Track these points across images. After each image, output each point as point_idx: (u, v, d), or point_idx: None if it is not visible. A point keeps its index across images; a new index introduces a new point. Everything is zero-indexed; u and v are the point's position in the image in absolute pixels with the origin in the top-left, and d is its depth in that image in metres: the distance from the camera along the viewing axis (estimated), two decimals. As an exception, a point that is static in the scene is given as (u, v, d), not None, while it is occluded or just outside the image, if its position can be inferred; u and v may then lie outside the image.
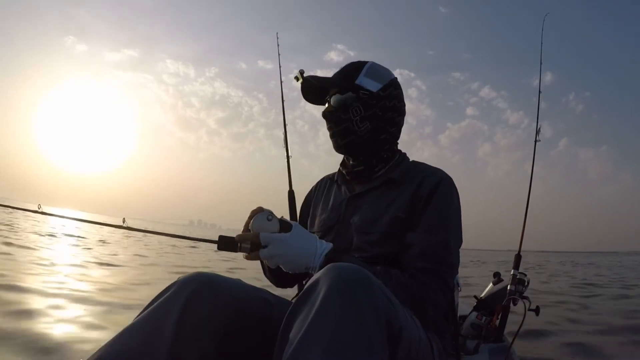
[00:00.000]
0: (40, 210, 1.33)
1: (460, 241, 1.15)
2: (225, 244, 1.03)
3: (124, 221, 1.20)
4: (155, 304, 0.94)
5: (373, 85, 1.19)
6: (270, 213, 1.02)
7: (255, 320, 1.03)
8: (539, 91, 2.32)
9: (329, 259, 1.00)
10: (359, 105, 1.19)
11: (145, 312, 0.93)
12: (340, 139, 1.21)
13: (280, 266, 1.01)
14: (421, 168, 1.24)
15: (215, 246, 1.06)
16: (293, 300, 0.82)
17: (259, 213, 1.02)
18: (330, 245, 1.04)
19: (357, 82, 1.19)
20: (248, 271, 6.50)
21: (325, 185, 1.39)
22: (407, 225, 1.12)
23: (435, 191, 1.14)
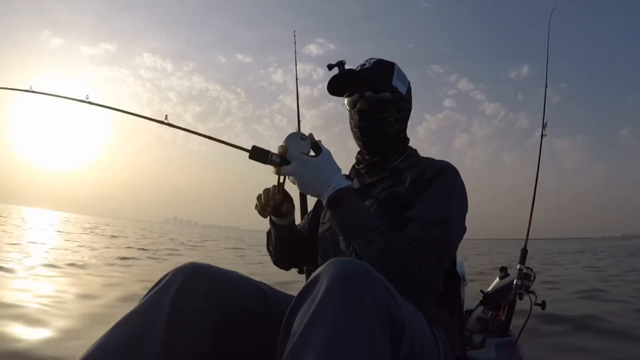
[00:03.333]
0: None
1: (462, 225, 1.15)
2: (256, 153, 1.07)
3: (166, 117, 1.24)
4: (149, 294, 0.96)
5: (402, 88, 1.26)
6: (303, 134, 1.07)
7: (249, 310, 1.04)
8: (545, 85, 2.31)
9: (339, 194, 1.04)
10: (394, 107, 1.24)
11: (140, 303, 0.95)
12: (375, 138, 1.25)
13: (297, 186, 1.06)
14: (428, 160, 1.28)
15: None
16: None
17: (295, 132, 1.08)
18: (347, 183, 1.07)
19: (393, 83, 1.24)
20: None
21: None
22: (405, 202, 1.13)
23: (438, 174, 1.16)
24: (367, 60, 1.27)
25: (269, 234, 1.36)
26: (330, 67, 1.22)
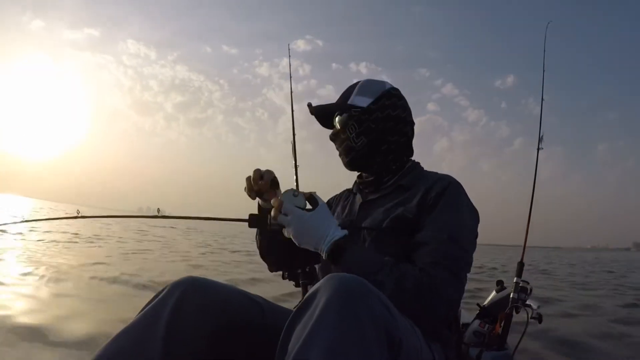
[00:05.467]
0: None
1: (473, 242, 1.15)
2: (256, 222, 1.10)
3: (158, 211, 1.29)
4: (146, 308, 0.97)
5: (363, 102, 1.26)
6: (296, 190, 1.09)
7: (246, 324, 1.05)
8: (542, 99, 2.33)
9: (338, 245, 1.03)
10: (353, 123, 1.26)
11: (138, 316, 0.96)
12: (345, 157, 1.30)
13: (294, 240, 1.06)
14: (431, 175, 1.27)
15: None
16: (293, 309, 0.83)
17: (288, 189, 1.09)
18: (344, 232, 1.06)
19: (349, 102, 1.27)
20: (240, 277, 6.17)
21: (344, 195, 1.44)
22: (414, 226, 1.13)
23: (443, 192, 1.15)
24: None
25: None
26: (311, 112, 1.33)
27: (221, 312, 1.01)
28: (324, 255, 1.05)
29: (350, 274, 0.81)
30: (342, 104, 1.28)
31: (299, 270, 1.57)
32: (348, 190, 1.43)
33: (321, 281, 0.80)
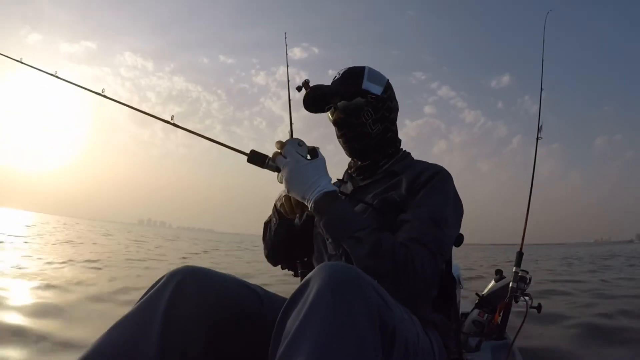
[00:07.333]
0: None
1: (456, 228, 1.16)
2: (254, 157, 1.10)
3: (172, 117, 1.28)
4: (144, 297, 0.96)
5: (377, 89, 1.26)
6: (302, 141, 1.10)
7: (243, 313, 1.04)
8: (541, 88, 2.33)
9: (325, 196, 1.04)
10: (369, 109, 1.24)
11: (135, 306, 0.95)
12: (357, 143, 1.27)
13: (284, 183, 1.07)
14: (422, 163, 1.29)
15: None
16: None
17: (293, 138, 1.10)
18: (334, 189, 1.07)
19: (363, 87, 1.24)
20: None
21: (335, 184, 1.42)
22: (400, 207, 1.14)
23: (432, 178, 1.17)
24: (338, 72, 1.29)
25: (267, 223, 1.36)
26: (299, 89, 1.27)
27: (219, 302, 1.00)
28: (310, 205, 1.06)
29: (344, 264, 0.80)
30: (355, 89, 1.24)
31: (298, 261, 1.56)
32: (338, 180, 1.42)
33: (314, 270, 0.79)
